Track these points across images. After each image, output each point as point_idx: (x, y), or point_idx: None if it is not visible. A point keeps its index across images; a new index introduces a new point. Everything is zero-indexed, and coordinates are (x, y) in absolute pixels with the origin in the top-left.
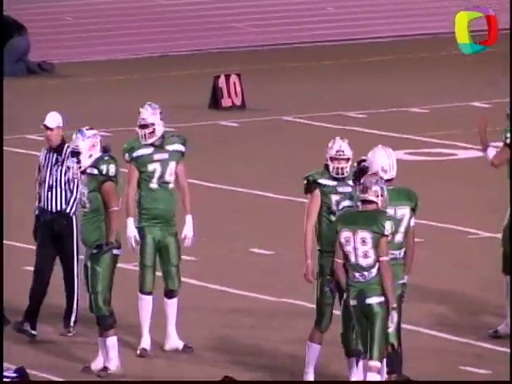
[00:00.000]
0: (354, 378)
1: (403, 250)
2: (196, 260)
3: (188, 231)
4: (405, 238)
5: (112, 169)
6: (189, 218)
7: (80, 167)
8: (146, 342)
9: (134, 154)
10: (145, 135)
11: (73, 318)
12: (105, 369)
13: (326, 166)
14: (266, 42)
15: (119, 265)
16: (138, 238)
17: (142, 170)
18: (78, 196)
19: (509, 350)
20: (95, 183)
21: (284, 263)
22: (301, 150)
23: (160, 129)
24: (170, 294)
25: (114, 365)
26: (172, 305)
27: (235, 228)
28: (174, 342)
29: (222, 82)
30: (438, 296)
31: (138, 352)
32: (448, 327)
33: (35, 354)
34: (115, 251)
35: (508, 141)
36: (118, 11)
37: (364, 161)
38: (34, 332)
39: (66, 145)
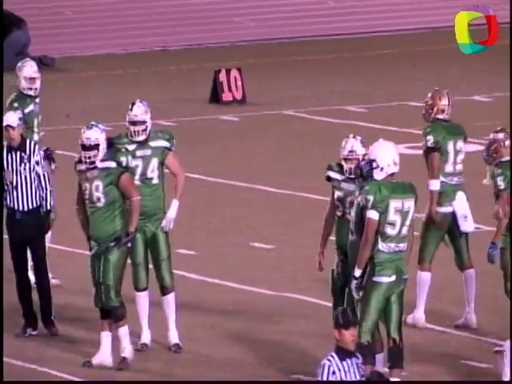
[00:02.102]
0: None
1: (406, 243)
2: (196, 254)
3: (170, 213)
4: (408, 231)
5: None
6: (174, 202)
7: (94, 161)
8: (146, 337)
9: None
10: (137, 132)
11: (53, 313)
12: (124, 359)
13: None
14: (266, 37)
15: None
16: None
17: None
18: (87, 192)
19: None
20: (112, 176)
21: (285, 257)
22: (301, 144)
23: (149, 127)
24: (163, 290)
25: (130, 352)
26: (167, 301)
27: (236, 222)
28: (172, 337)
29: (222, 76)
30: (437, 290)
31: (139, 347)
32: (448, 321)
33: (36, 349)
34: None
35: (429, 143)
36: (117, 5)
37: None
38: (35, 332)
39: (28, 140)
